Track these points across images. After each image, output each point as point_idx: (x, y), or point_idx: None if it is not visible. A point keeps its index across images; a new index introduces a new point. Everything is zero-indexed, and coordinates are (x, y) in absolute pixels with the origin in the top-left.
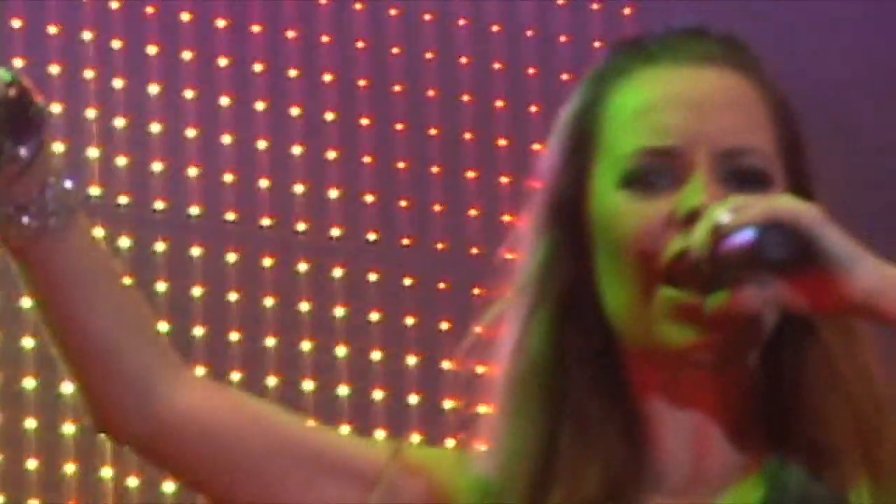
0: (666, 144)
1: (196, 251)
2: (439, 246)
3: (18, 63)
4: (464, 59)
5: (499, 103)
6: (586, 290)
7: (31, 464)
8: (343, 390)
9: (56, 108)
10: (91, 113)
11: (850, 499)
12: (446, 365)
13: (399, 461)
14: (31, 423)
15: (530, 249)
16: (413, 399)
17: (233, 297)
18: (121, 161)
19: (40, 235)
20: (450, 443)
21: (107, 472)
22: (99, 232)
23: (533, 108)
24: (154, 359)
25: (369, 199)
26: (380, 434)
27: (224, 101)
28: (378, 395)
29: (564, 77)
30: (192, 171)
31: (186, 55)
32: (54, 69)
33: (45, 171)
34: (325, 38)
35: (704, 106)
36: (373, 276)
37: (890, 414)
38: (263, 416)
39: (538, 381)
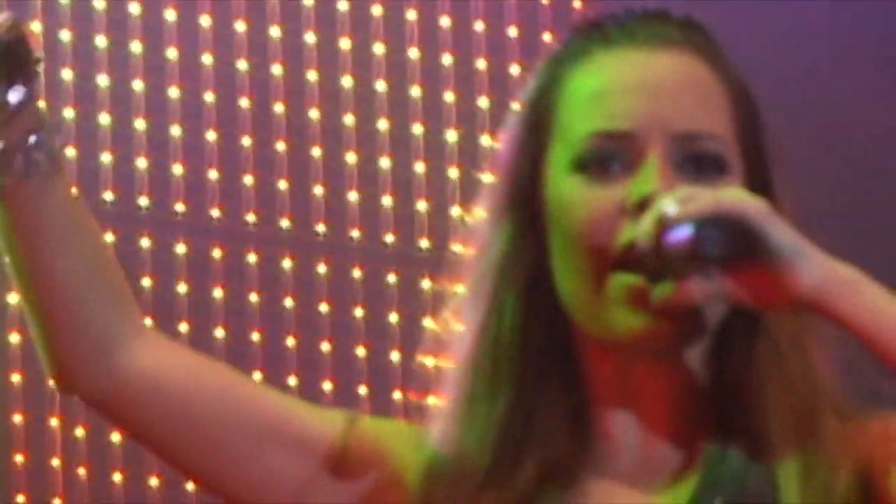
0: (619, 128)
1: (145, 242)
2: (388, 239)
3: None
4: (413, 53)
5: (448, 96)
6: (545, 276)
7: None
8: (292, 381)
9: None
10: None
11: (779, 481)
12: (395, 357)
13: (353, 434)
14: None
15: (489, 237)
16: (362, 390)
17: (182, 288)
18: (69, 153)
19: (24, 183)
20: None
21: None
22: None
23: (483, 101)
24: (119, 315)
25: (318, 191)
26: None
27: (174, 92)
28: (327, 386)
29: (514, 70)
30: (142, 163)
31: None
32: None
33: (34, 120)
34: (273, 33)
35: (660, 89)
36: (322, 269)
37: (828, 406)
38: (219, 380)
39: (500, 366)
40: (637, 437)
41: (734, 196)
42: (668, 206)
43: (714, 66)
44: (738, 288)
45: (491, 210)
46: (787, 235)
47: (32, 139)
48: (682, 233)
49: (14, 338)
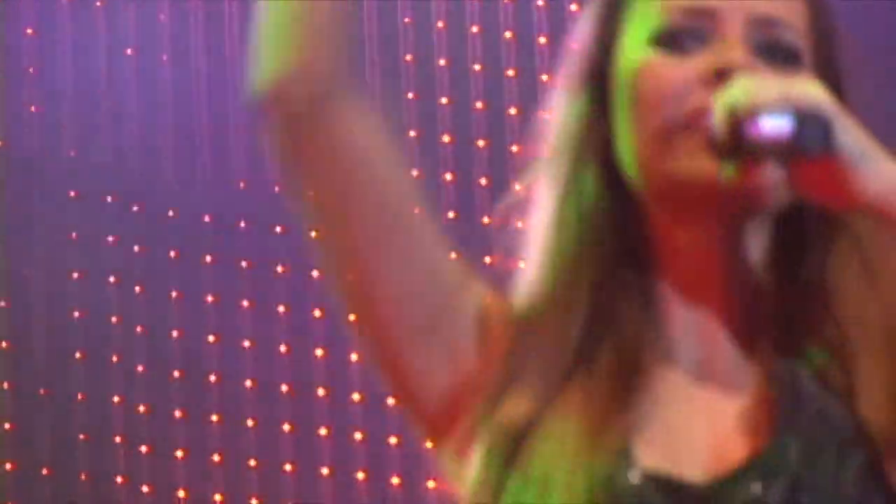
0: (701, 3)
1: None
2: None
3: None
4: (440, 24)
5: (476, 66)
6: (614, 155)
7: None
8: (283, 348)
9: None
10: None
11: (860, 403)
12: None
13: (490, 310)
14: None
15: (562, 114)
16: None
17: (243, 265)
18: None
19: None
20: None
21: None
22: None
23: (510, 72)
24: (346, 69)
25: None
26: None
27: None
28: (318, 352)
29: (541, 40)
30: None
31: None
32: None
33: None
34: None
35: None
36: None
37: None
38: (408, 211)
39: (583, 242)
40: (697, 336)
41: (806, 89)
42: (739, 93)
43: None
44: (802, 181)
45: (566, 87)
46: (856, 136)
47: None
48: (778, 124)
49: None
